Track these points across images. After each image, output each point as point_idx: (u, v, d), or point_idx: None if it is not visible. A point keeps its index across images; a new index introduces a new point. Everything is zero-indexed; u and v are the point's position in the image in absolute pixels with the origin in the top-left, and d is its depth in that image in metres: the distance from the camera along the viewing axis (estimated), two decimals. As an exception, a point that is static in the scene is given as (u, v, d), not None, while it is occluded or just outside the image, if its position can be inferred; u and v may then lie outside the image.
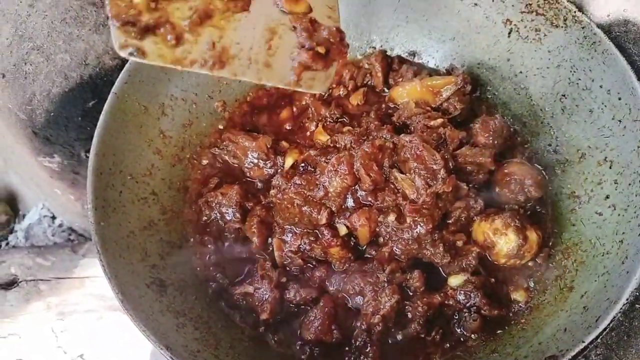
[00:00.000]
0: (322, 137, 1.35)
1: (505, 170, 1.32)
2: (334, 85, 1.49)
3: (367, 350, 1.17)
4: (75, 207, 1.79)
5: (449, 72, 1.50)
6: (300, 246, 1.25)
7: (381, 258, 1.22)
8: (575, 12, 1.28)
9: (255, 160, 1.38)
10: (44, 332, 1.66)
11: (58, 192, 1.70)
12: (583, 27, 1.27)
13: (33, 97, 1.37)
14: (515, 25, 1.39)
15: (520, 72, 1.41)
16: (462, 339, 1.20)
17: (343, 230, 1.24)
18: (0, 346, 1.65)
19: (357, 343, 1.19)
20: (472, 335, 1.19)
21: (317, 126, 1.40)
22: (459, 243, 1.24)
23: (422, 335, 1.19)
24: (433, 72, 1.51)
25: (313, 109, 1.45)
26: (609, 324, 0.97)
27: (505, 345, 1.15)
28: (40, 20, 1.34)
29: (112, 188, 1.24)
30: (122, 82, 1.28)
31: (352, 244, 1.26)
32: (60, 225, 2.05)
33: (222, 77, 1.20)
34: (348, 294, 1.23)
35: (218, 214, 1.34)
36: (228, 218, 1.33)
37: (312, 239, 1.25)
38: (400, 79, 1.47)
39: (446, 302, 1.21)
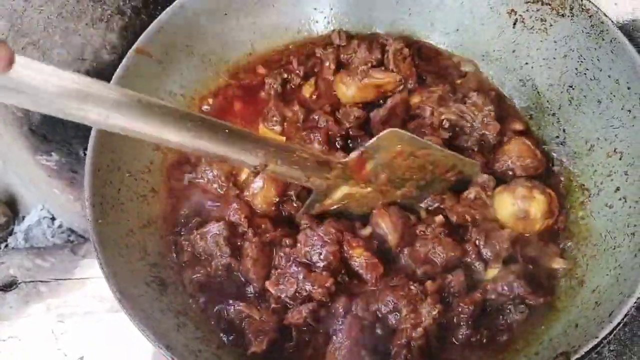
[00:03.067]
0: None
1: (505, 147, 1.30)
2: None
3: None
4: (74, 207, 1.76)
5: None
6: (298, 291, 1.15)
7: (417, 256, 1.18)
8: (581, 0, 1.25)
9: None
10: (44, 335, 1.63)
11: (57, 191, 1.67)
12: (590, 16, 1.24)
13: (29, 94, 1.34)
14: (520, 15, 1.36)
15: (526, 63, 1.39)
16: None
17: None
18: (0, 349, 1.63)
19: None
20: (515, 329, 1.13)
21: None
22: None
23: (473, 339, 1.11)
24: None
25: (274, 109, 1.39)
26: (622, 319, 0.94)
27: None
28: (36, 15, 1.32)
29: (110, 185, 1.21)
30: (119, 77, 1.26)
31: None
32: (59, 227, 2.03)
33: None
34: (381, 313, 1.13)
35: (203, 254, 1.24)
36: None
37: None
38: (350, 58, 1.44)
39: (488, 296, 1.14)
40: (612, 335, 0.94)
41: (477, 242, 1.19)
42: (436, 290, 1.11)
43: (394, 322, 1.11)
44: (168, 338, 1.03)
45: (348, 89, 1.39)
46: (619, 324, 0.94)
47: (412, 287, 1.11)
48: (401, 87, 1.40)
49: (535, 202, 1.19)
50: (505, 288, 1.12)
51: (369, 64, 1.39)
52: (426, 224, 1.21)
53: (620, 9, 1.29)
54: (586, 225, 1.22)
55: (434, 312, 1.08)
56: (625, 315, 0.95)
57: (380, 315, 1.13)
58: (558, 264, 1.19)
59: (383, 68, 1.41)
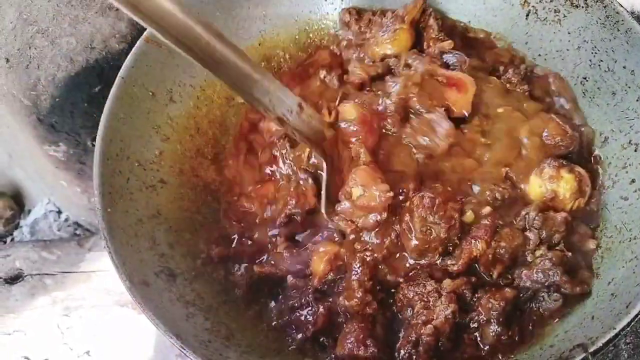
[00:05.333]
0: None
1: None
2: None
3: None
4: (81, 200, 1.76)
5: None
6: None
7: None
8: (596, -9, 1.24)
9: None
10: (50, 329, 1.63)
11: (64, 183, 1.67)
12: (605, 6, 1.23)
13: (38, 82, 1.34)
14: (533, 6, 1.35)
15: (539, 55, 1.37)
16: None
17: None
18: (5, 343, 1.63)
19: (402, 354, 1.08)
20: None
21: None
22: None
23: (503, 337, 1.07)
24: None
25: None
26: (640, 310, 0.93)
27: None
28: (45, 3, 1.31)
29: (119, 175, 1.20)
30: (129, 67, 1.25)
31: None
32: (66, 220, 2.03)
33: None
34: (395, 305, 1.14)
35: None
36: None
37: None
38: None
39: (522, 284, 1.11)
40: (629, 327, 0.93)
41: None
42: (453, 289, 1.09)
43: (409, 315, 1.10)
44: (178, 327, 1.02)
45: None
46: (636, 315, 0.92)
47: (428, 284, 1.09)
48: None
49: (563, 181, 1.16)
50: (541, 275, 1.09)
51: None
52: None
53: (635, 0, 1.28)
54: (601, 218, 1.20)
55: (448, 311, 1.06)
56: (643, 306, 0.93)
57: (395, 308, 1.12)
58: (591, 244, 1.16)
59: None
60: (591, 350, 0.89)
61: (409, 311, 1.11)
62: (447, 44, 1.35)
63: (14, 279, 1.68)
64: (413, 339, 1.07)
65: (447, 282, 1.10)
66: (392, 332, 1.13)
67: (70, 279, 1.69)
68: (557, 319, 1.08)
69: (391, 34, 1.38)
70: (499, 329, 1.06)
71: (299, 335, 1.13)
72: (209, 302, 1.18)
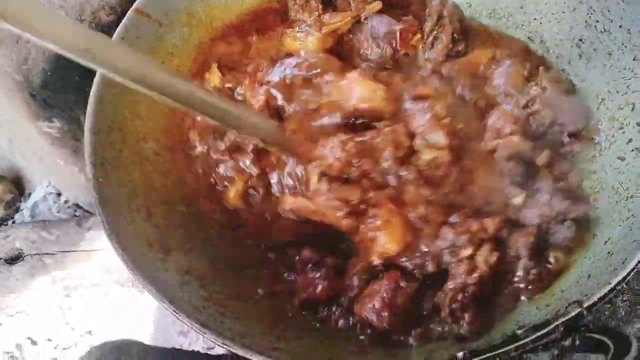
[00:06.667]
0: None
1: None
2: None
3: (462, 314, 1.05)
4: (79, 179, 1.75)
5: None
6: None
7: None
8: (590, -51, 1.22)
9: None
10: (51, 309, 1.63)
11: (60, 162, 1.67)
12: (600, -34, 1.21)
13: (28, 56, 1.34)
14: (527, -31, 1.33)
15: (535, 18, 1.36)
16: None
17: None
18: (8, 323, 1.63)
19: (447, 310, 1.06)
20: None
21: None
22: None
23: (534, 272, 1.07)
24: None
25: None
26: (636, 265, 0.91)
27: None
28: (33, -23, 1.30)
29: (111, 146, 1.20)
30: (119, 38, 1.25)
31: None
32: (65, 202, 2.02)
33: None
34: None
35: None
36: None
37: None
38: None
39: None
40: (624, 283, 0.91)
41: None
42: (496, 229, 1.08)
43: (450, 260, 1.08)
44: (171, 293, 1.02)
45: (305, 45, 1.31)
46: (631, 270, 0.91)
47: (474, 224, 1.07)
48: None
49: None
50: (545, 208, 1.09)
51: (316, 13, 1.33)
52: None
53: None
54: (598, 179, 1.19)
55: (493, 258, 1.06)
56: (639, 262, 0.92)
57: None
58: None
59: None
60: (586, 305, 0.88)
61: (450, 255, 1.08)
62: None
63: (14, 259, 1.68)
64: (457, 288, 1.06)
65: (488, 223, 1.08)
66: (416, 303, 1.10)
67: (69, 258, 1.69)
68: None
69: (303, 35, 1.33)
70: (530, 264, 1.07)
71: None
72: (204, 271, 1.18)
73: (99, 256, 1.70)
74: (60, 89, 1.41)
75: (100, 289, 1.65)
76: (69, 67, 1.38)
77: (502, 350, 0.90)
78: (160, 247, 1.15)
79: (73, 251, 1.71)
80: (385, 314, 1.05)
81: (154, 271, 1.07)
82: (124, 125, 1.24)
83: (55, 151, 1.60)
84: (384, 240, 1.08)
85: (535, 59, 1.32)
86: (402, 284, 1.06)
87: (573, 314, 0.88)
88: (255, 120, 1.13)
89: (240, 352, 0.94)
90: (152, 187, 1.25)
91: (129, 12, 1.27)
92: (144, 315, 1.60)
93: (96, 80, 1.20)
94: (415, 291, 1.09)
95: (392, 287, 1.06)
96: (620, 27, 1.20)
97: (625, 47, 1.19)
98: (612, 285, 0.89)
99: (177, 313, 0.95)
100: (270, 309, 1.15)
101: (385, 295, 1.06)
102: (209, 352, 1.45)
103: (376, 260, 1.09)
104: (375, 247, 1.09)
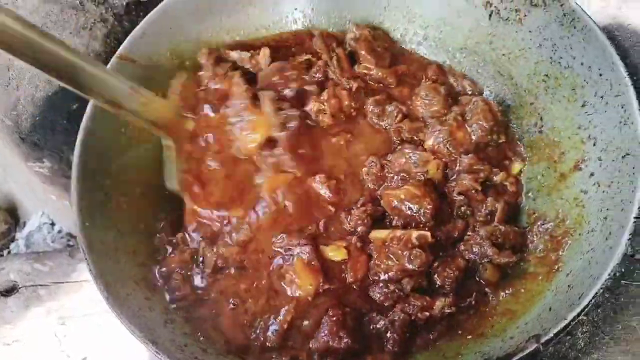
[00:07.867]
0: None
1: None
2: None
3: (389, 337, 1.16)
4: (71, 212, 1.79)
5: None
6: None
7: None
8: (552, -11, 1.27)
9: None
10: (47, 337, 1.66)
11: (53, 197, 1.71)
12: (562, 5, 1.26)
13: (18, 102, 1.38)
14: (495, 7, 1.38)
15: (503, 54, 1.41)
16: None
17: None
18: (5, 353, 1.67)
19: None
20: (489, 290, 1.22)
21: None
22: None
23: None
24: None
25: None
26: (590, 300, 0.96)
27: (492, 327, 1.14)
28: (21, 26, 1.34)
29: (97, 189, 1.24)
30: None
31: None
32: (59, 232, 2.06)
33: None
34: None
35: None
36: None
37: None
38: None
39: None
40: (582, 316, 0.96)
41: None
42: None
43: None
44: (154, 334, 1.06)
45: None
46: (587, 305, 0.96)
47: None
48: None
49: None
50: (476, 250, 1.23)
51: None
52: None
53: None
54: (562, 212, 1.23)
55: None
56: (594, 296, 0.96)
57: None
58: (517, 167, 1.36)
59: None
60: (543, 340, 0.92)
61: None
62: None
63: (9, 291, 1.72)
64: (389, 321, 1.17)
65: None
66: (362, 323, 1.19)
67: (62, 289, 1.73)
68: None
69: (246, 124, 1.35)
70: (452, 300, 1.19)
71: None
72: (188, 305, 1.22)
73: (91, 286, 1.73)
74: (48, 132, 1.45)
75: (93, 318, 1.69)
76: (57, 111, 1.43)
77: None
78: (146, 285, 1.20)
79: (66, 282, 1.75)
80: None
81: (139, 311, 1.12)
82: (110, 167, 1.28)
83: (47, 188, 1.64)
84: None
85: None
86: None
87: (531, 349, 0.93)
88: (111, 80, 1.16)
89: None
90: (137, 228, 1.30)
91: (112, 58, 1.31)
92: (138, 343, 1.63)
93: (82, 126, 1.24)
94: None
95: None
96: (582, 64, 1.24)
97: (587, 82, 1.24)
98: (567, 321, 0.94)
99: (158, 354, 0.99)
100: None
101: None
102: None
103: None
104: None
